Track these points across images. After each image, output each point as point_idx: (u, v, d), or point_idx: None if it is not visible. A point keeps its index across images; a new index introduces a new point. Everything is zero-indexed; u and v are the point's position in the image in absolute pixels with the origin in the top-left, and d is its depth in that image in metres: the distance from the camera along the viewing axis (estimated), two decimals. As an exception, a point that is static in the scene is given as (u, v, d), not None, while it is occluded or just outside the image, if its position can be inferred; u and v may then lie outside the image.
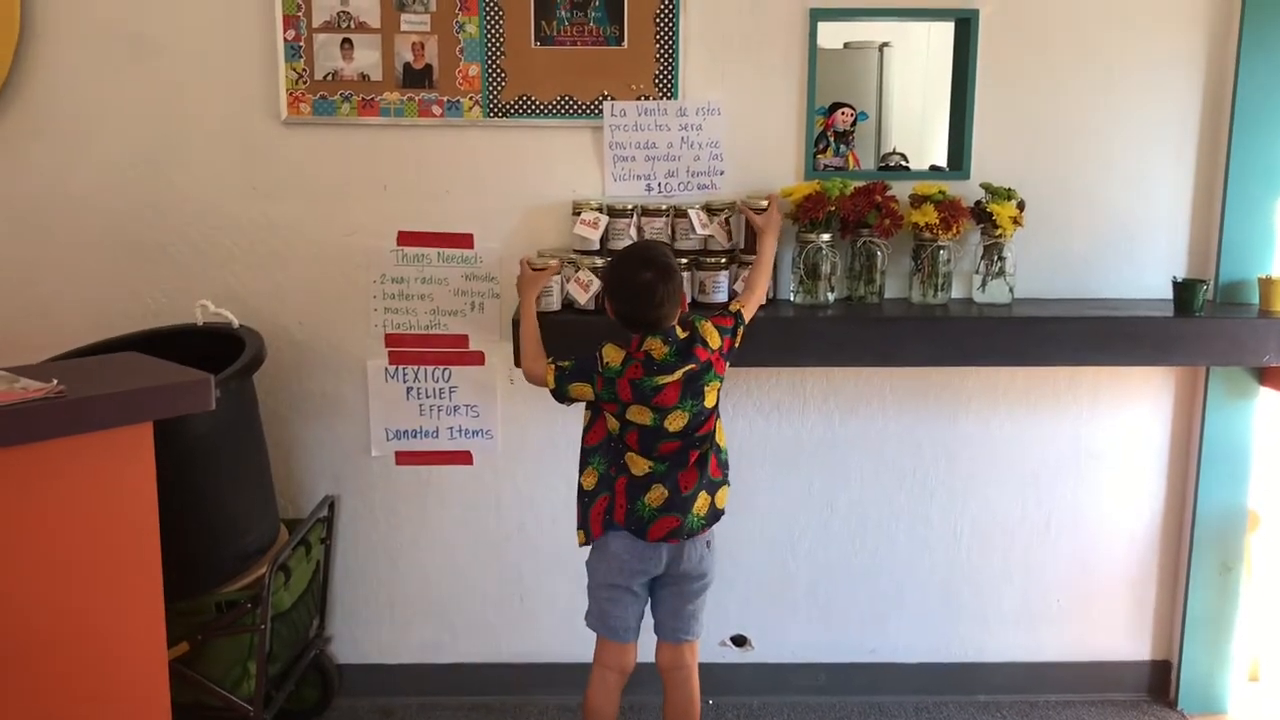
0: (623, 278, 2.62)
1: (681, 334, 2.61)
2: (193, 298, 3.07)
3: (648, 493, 2.66)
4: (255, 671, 2.83)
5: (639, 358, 2.59)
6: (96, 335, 3.05)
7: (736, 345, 2.73)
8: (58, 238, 3.17)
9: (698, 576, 2.74)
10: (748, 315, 2.78)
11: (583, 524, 2.74)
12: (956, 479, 3.37)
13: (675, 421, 2.60)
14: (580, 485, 2.75)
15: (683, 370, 2.57)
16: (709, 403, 2.63)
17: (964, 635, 3.46)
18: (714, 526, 2.74)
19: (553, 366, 2.69)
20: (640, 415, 2.61)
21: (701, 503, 2.68)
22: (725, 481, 2.76)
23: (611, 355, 2.63)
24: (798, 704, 3.43)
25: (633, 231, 3.07)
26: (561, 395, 2.69)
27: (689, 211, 3.05)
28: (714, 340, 2.65)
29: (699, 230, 3.04)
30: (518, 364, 2.89)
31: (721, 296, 3.03)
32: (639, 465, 2.66)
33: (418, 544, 3.37)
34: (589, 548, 2.77)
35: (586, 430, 2.74)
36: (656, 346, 2.58)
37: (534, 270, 2.91)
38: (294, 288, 3.21)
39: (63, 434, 2.07)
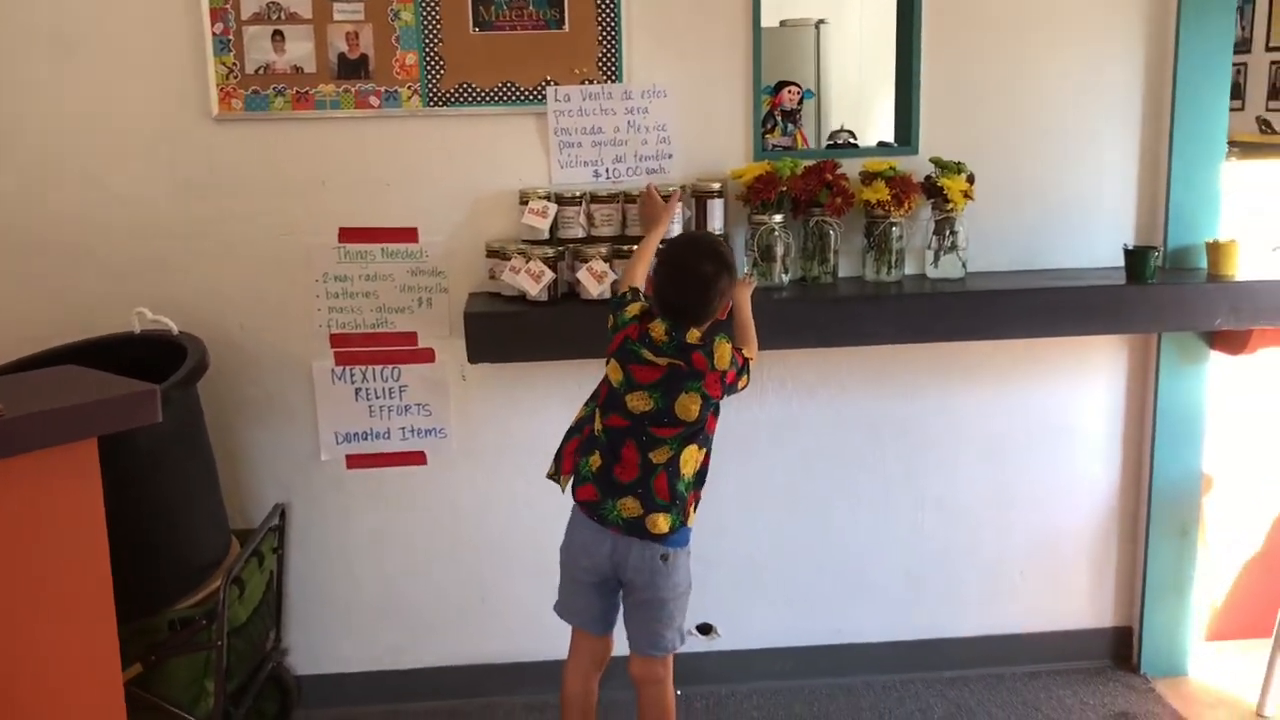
0: (682, 263, 2.55)
1: (692, 337, 2.49)
2: (128, 305, 2.95)
3: (590, 455, 2.62)
4: (213, 689, 2.74)
5: (643, 327, 2.53)
6: (25, 349, 2.90)
7: (739, 388, 2.60)
8: (-21, 247, 3.04)
9: (648, 589, 2.62)
10: (753, 361, 2.67)
11: (556, 457, 2.71)
12: (915, 456, 3.36)
13: (636, 400, 2.53)
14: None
15: (668, 361, 2.50)
16: (681, 413, 2.51)
17: (928, 612, 3.46)
18: (675, 550, 2.63)
19: (626, 290, 2.66)
20: (615, 373, 2.56)
21: (630, 506, 2.56)
22: (669, 510, 2.57)
23: (632, 309, 2.59)
24: (765, 689, 3.41)
25: (582, 219, 3.01)
26: (613, 308, 2.67)
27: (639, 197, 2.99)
28: (723, 361, 2.51)
29: (650, 216, 2.98)
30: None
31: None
32: (597, 423, 2.63)
33: (373, 548, 3.29)
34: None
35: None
36: (659, 331, 2.50)
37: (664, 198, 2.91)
38: (233, 290, 3.10)
39: (3, 455, 1.95)
